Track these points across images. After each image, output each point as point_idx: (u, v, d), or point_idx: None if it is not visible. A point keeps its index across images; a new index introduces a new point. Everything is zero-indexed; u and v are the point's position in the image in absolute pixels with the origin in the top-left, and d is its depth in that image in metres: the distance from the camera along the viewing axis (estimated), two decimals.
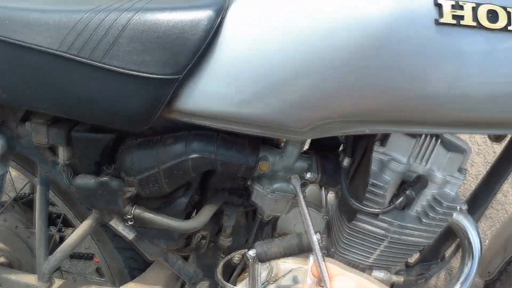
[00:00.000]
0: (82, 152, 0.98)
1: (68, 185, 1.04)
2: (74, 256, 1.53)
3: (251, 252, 0.85)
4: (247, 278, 0.96)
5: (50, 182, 1.12)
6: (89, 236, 1.23)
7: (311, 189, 1.17)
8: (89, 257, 1.52)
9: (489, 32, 0.73)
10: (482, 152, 2.58)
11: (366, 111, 0.81)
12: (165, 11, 0.82)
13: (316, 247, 0.80)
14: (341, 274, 0.68)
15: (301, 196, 0.92)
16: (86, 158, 0.99)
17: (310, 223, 0.85)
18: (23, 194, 1.36)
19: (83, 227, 1.10)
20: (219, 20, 0.80)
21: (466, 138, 2.77)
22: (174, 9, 0.82)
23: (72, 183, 1.01)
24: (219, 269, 1.07)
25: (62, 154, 1.01)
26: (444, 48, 0.74)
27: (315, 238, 0.83)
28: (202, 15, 0.80)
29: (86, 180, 0.98)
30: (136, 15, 0.82)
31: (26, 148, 1.05)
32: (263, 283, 1.10)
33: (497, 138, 1.08)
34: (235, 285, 1.12)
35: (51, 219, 1.37)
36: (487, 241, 1.54)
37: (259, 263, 0.88)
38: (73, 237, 1.11)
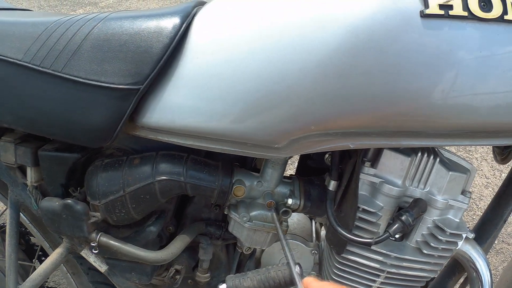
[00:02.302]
0: (49, 173, 0.92)
1: (36, 208, 0.97)
2: None
3: (222, 287, 0.76)
4: None
5: (22, 206, 1.06)
6: (65, 269, 1.15)
7: (300, 221, 1.06)
8: None
9: (483, 23, 0.64)
10: (490, 184, 2.46)
11: (347, 122, 0.71)
12: (128, 20, 0.77)
13: (297, 279, 0.72)
14: None
15: (277, 223, 0.82)
16: (52, 179, 0.92)
17: (289, 253, 0.75)
18: (2, 224, 1.30)
19: (54, 256, 1.02)
20: (184, 27, 0.74)
21: None
22: (138, 17, 0.77)
23: (39, 206, 0.94)
24: None
25: (30, 175, 0.95)
26: (433, 44, 0.64)
27: (296, 269, 0.73)
28: (167, 22, 0.75)
29: (50, 203, 0.91)
30: (99, 23, 0.78)
31: None
32: None
33: (503, 159, 0.96)
34: None
35: (33, 251, 1.30)
36: (499, 277, 1.40)
37: None
38: (43, 266, 1.02)
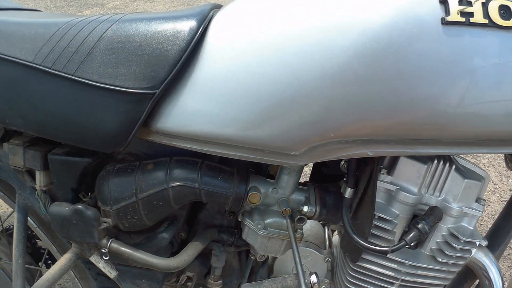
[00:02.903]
0: (59, 177, 0.90)
1: (44, 213, 0.95)
2: None
3: None
4: None
5: (29, 210, 1.04)
6: (73, 273, 1.13)
7: (313, 228, 1.04)
8: None
9: (503, 31, 0.62)
10: (498, 190, 2.44)
11: (366, 129, 0.69)
12: (143, 22, 0.75)
13: None
14: None
15: (291, 231, 0.80)
16: (62, 184, 0.90)
17: (300, 262, 0.73)
18: (9, 226, 1.28)
19: (62, 261, 1.00)
20: (201, 31, 0.72)
21: None
22: (154, 20, 0.75)
23: (48, 211, 0.92)
24: None
25: (39, 179, 0.92)
26: (454, 51, 0.63)
27: (312, 278, 0.71)
28: (183, 25, 0.73)
29: (60, 208, 0.89)
30: (113, 25, 0.76)
31: (5, 172, 0.98)
32: None
33: None
34: None
35: (39, 254, 1.28)
36: (506, 283, 1.38)
37: None
38: (51, 271, 1.01)
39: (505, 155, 1.01)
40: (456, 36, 0.63)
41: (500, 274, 0.98)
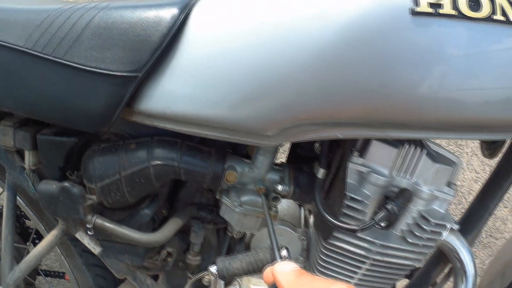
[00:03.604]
0: (47, 157, 0.95)
1: (33, 191, 1.00)
2: (47, 274, 1.48)
3: (213, 269, 0.79)
4: None
5: (18, 189, 1.08)
6: (59, 251, 1.18)
7: (289, 208, 1.09)
8: (60, 275, 1.46)
9: (472, 22, 0.66)
10: (480, 179, 2.48)
11: (336, 113, 0.74)
12: (128, 9, 0.80)
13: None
14: None
15: (266, 209, 0.85)
16: (50, 163, 0.95)
17: (274, 237, 0.78)
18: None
19: (49, 238, 1.05)
20: (182, 17, 0.77)
21: (464, 166, 2.70)
22: (138, 7, 0.80)
23: (36, 189, 0.97)
24: None
25: (28, 158, 0.97)
26: (422, 41, 0.67)
27: (283, 253, 0.76)
28: (166, 12, 0.78)
29: (48, 186, 0.93)
30: (100, 12, 0.80)
31: None
32: None
33: (491, 154, 1.00)
34: None
35: (27, 234, 1.32)
36: (484, 270, 1.43)
37: (222, 280, 0.81)
38: (38, 248, 1.06)
39: (480, 143, 1.06)
40: (425, 27, 0.67)
41: (472, 258, 1.02)
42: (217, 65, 0.75)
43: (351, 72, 0.70)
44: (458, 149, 2.84)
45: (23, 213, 1.33)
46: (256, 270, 0.80)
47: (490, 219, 2.41)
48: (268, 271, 0.68)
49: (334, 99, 0.73)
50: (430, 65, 0.68)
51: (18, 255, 1.28)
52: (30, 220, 1.24)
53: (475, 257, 2.12)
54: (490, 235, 2.36)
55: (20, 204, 1.14)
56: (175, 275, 1.14)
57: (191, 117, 0.79)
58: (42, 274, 1.44)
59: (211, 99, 0.76)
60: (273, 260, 0.79)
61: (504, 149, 0.98)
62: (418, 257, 0.96)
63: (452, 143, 2.84)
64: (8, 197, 1.07)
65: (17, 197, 1.11)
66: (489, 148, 1.01)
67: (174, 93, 0.78)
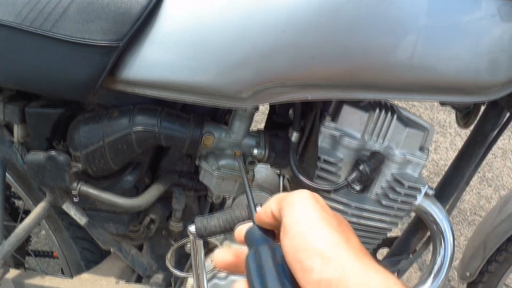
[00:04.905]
0: (35, 128, 1.00)
1: (22, 164, 1.05)
2: (36, 254, 1.52)
3: (191, 228, 0.84)
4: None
5: (8, 165, 1.13)
6: (47, 225, 1.23)
7: (268, 176, 1.15)
8: (49, 255, 1.51)
9: None
10: None
11: (304, 74, 0.81)
12: None
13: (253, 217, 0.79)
14: None
15: (243, 171, 0.91)
16: (38, 134, 1.01)
17: (250, 195, 0.83)
18: None
19: (37, 210, 1.10)
20: None
21: (447, 146, 2.78)
22: None
23: (24, 160, 1.02)
24: (168, 256, 1.05)
25: (17, 132, 1.02)
26: (387, 8, 0.74)
27: (259, 209, 0.81)
28: None
29: (35, 156, 0.99)
30: None
31: None
32: (212, 269, 1.07)
33: (465, 124, 1.06)
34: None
35: (17, 214, 1.37)
36: (466, 243, 1.48)
37: (201, 240, 0.86)
38: (27, 221, 1.11)
39: (456, 114, 1.12)
40: None
41: (449, 223, 1.07)
42: (194, 34, 0.81)
43: (315, 36, 0.77)
44: (442, 129, 2.92)
45: (12, 194, 1.38)
46: (233, 227, 0.84)
47: (475, 198, 2.49)
48: (239, 228, 0.71)
49: (300, 62, 0.80)
50: (393, 30, 0.75)
51: (8, 233, 1.32)
52: (19, 200, 1.29)
53: (460, 234, 2.19)
54: (475, 213, 2.43)
55: (9, 181, 1.18)
56: (159, 245, 1.19)
57: (169, 82, 0.85)
58: (32, 254, 1.48)
59: (187, 65, 0.83)
60: (249, 217, 0.84)
61: (477, 117, 1.04)
62: (393, 220, 1.01)
63: (435, 124, 2.91)
64: None
65: (6, 173, 1.16)
66: (464, 118, 1.08)
67: (154, 61, 0.84)
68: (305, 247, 0.39)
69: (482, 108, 1.03)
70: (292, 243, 0.40)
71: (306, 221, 0.41)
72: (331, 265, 0.37)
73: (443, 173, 1.13)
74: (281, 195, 0.47)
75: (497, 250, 1.31)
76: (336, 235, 0.40)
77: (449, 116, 3.03)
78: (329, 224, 0.41)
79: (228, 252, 0.51)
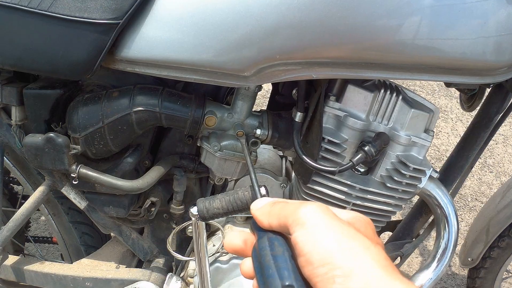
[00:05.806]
0: (33, 110, 0.98)
1: (20, 147, 1.03)
2: (35, 240, 1.51)
3: (193, 210, 0.82)
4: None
5: (6, 148, 1.12)
6: (46, 210, 1.21)
7: (270, 158, 1.14)
8: (48, 240, 1.50)
9: None
10: None
11: (309, 52, 0.80)
12: None
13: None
14: None
15: (247, 152, 0.90)
16: (36, 116, 0.99)
17: (254, 176, 0.82)
18: None
19: (36, 194, 1.08)
20: None
21: (448, 131, 2.77)
22: None
23: (22, 143, 1.01)
24: (169, 239, 1.04)
25: (15, 114, 1.01)
26: None
27: (262, 191, 0.79)
28: None
29: (34, 138, 0.97)
30: None
31: None
32: (215, 253, 1.06)
33: (469, 107, 1.05)
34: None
35: (16, 199, 1.36)
36: (469, 228, 1.48)
37: (203, 221, 0.85)
38: (26, 205, 1.09)
39: (460, 96, 1.11)
40: None
41: (454, 207, 1.06)
42: (196, 11, 0.80)
43: (321, 13, 0.75)
44: (443, 115, 2.91)
45: (11, 179, 1.36)
46: (236, 209, 0.83)
47: (476, 184, 2.49)
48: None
49: (305, 39, 0.78)
50: (405, 10, 0.74)
51: (7, 219, 1.31)
52: (18, 185, 1.27)
53: (461, 220, 2.19)
54: (476, 199, 2.43)
55: (8, 166, 1.17)
56: (160, 228, 1.18)
57: (170, 60, 0.83)
58: (31, 240, 1.46)
59: (190, 44, 0.81)
60: (252, 198, 0.82)
61: (482, 101, 1.03)
62: (398, 202, 1.00)
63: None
64: None
65: (5, 158, 1.14)
66: (468, 101, 1.07)
67: (155, 39, 0.82)
68: (324, 263, 0.39)
69: (487, 91, 1.01)
70: (310, 259, 0.40)
71: (323, 240, 0.40)
72: (354, 278, 0.37)
73: (445, 158, 1.12)
74: (282, 211, 0.46)
75: (500, 236, 1.32)
76: (356, 247, 0.40)
77: (450, 101, 3.02)
78: (347, 236, 0.41)
79: (238, 237, 0.51)
